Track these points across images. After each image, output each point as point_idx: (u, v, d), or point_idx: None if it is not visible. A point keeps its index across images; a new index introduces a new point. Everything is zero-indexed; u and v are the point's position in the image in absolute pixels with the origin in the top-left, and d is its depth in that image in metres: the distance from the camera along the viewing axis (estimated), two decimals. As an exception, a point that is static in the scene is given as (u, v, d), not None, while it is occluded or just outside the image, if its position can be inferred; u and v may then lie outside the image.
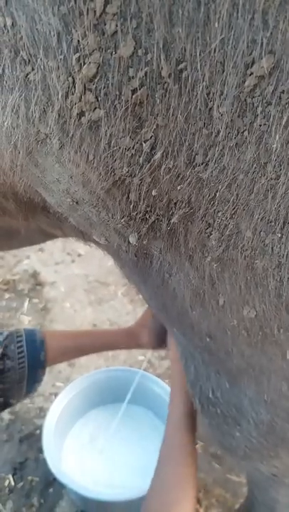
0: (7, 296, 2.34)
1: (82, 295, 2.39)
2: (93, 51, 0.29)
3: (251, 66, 0.28)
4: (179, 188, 0.36)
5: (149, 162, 0.34)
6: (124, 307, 2.31)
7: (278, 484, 0.80)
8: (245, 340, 0.48)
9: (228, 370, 0.57)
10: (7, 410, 1.71)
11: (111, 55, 0.30)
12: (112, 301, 2.35)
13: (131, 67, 0.30)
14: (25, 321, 2.15)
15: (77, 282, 2.49)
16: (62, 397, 1.45)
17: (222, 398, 0.63)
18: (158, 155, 0.33)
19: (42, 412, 1.70)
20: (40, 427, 1.62)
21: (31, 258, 2.70)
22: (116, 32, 0.29)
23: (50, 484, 1.46)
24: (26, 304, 2.28)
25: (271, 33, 0.26)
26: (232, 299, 0.45)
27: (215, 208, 0.37)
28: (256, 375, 0.53)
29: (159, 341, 1.18)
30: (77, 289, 2.43)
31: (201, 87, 0.29)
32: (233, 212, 0.37)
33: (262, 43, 0.27)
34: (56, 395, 1.48)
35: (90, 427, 1.56)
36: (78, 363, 1.91)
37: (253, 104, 0.29)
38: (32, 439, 1.62)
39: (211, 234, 0.40)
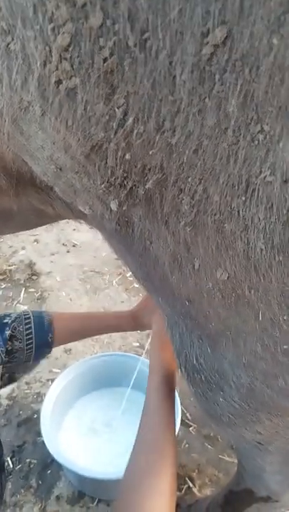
0: (3, 285, 2.40)
1: (78, 284, 2.43)
2: (66, 21, 0.33)
3: (207, 35, 0.31)
4: (150, 153, 0.39)
5: (122, 127, 0.37)
6: (119, 296, 2.35)
7: (264, 452, 0.83)
8: (220, 302, 0.52)
9: (209, 335, 0.60)
10: (4, 396, 1.77)
11: (82, 25, 0.33)
12: (107, 289, 2.39)
13: (101, 37, 0.33)
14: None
15: (72, 272, 2.54)
16: (59, 382, 1.49)
17: (205, 364, 0.67)
18: (130, 120, 0.37)
19: (39, 398, 1.74)
20: (37, 412, 1.67)
21: (27, 249, 2.76)
22: (85, 3, 0.32)
23: (48, 466, 1.51)
24: (22, 293, 2.33)
25: (222, 5, 0.30)
26: (206, 262, 0.48)
27: (185, 173, 0.40)
28: (233, 337, 0.56)
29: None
30: (73, 278, 2.48)
31: (163, 56, 0.32)
32: (200, 177, 0.40)
33: (215, 14, 0.30)
34: (53, 380, 1.52)
35: (86, 410, 1.61)
36: (75, 350, 1.95)
37: (211, 71, 0.32)
38: (30, 424, 1.66)
39: (183, 199, 0.43)
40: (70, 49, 0.34)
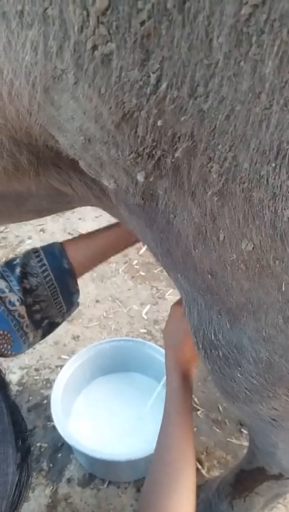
0: (11, 275, 2.41)
1: (85, 273, 2.45)
2: (105, -17, 0.33)
3: (247, -5, 0.31)
4: (182, 119, 0.39)
5: (155, 93, 0.38)
6: (125, 283, 2.37)
7: (278, 429, 0.84)
8: (243, 274, 0.52)
9: (229, 309, 0.61)
10: (14, 382, 1.78)
11: (121, -13, 0.33)
12: (114, 277, 2.41)
13: (139, 0, 0.33)
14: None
15: (79, 261, 2.56)
16: (68, 368, 1.52)
17: (223, 340, 0.67)
18: (163, 86, 0.37)
19: (48, 384, 1.77)
20: (46, 398, 1.70)
21: (33, 238, 2.77)
22: None
23: (59, 450, 1.54)
24: (30, 282, 2.35)
25: None
26: (231, 233, 0.49)
27: (215, 140, 0.41)
28: (254, 310, 0.57)
29: None
30: (80, 267, 2.50)
31: (202, 17, 0.33)
32: (231, 144, 0.40)
33: (256, -27, 0.30)
34: (62, 367, 1.55)
35: (96, 395, 1.64)
36: (83, 337, 1.98)
37: (249, 33, 0.33)
38: (40, 409, 1.69)
39: (212, 167, 0.43)
40: (108, 12, 0.34)
